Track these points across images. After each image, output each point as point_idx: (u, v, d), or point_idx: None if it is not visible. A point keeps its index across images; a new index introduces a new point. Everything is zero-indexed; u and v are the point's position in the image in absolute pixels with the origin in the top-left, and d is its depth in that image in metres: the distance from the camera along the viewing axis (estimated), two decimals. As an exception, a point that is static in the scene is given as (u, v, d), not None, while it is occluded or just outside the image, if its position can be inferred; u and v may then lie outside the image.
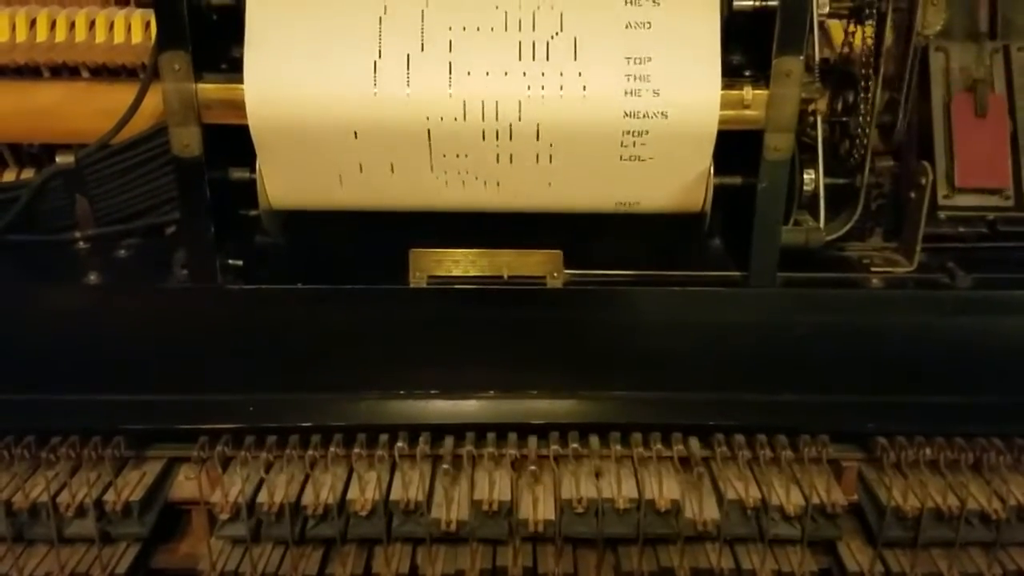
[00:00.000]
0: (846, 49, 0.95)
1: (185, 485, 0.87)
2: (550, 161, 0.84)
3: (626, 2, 0.83)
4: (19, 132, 1.01)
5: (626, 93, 0.81)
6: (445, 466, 0.84)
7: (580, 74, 0.81)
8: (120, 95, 0.94)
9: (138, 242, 0.97)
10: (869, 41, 0.90)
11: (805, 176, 0.90)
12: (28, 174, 1.03)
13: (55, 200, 0.97)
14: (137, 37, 1.01)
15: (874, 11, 0.89)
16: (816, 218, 0.91)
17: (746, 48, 0.88)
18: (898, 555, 0.86)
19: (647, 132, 0.82)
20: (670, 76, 0.82)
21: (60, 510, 0.83)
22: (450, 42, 0.81)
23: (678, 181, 0.86)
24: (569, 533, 0.83)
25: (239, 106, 0.82)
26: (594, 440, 0.86)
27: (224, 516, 0.83)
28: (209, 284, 0.88)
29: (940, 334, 0.89)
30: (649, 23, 0.82)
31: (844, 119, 0.94)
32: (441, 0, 0.82)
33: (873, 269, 0.93)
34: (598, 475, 0.84)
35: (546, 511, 0.83)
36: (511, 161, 0.84)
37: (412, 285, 0.88)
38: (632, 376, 0.87)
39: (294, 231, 0.94)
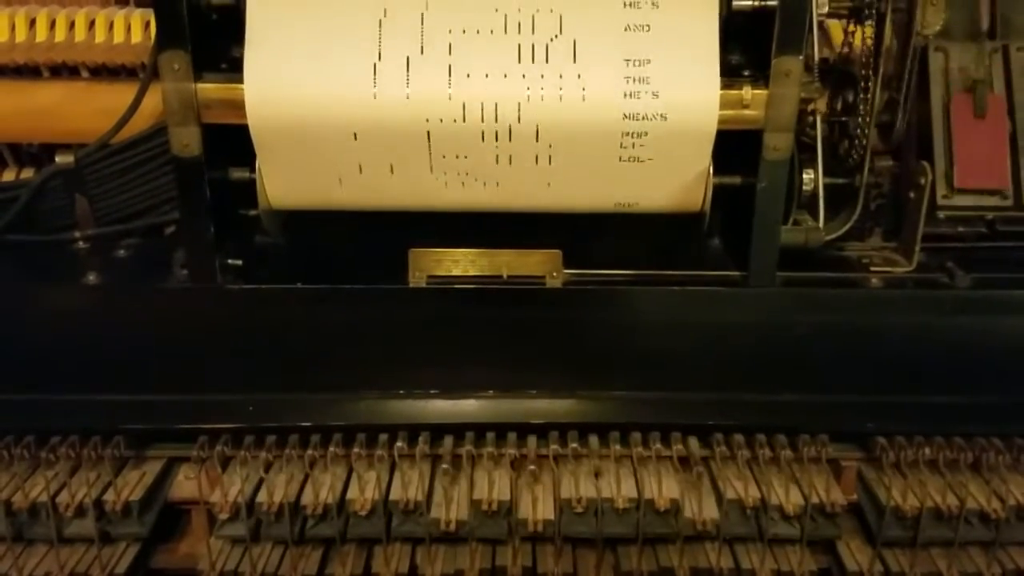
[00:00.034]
0: (845, 49, 0.95)
1: (185, 485, 0.87)
2: (549, 162, 0.84)
3: (625, 4, 0.83)
4: (19, 132, 1.02)
5: (625, 95, 0.82)
6: (444, 466, 0.84)
7: (579, 76, 0.81)
8: (120, 95, 0.94)
9: (138, 242, 0.97)
10: (868, 41, 0.91)
11: (804, 176, 0.90)
12: (28, 174, 1.03)
13: (55, 200, 0.97)
14: (137, 37, 1.01)
15: (873, 11, 0.89)
16: (815, 218, 0.92)
17: (745, 48, 0.88)
18: (897, 555, 0.86)
19: (646, 134, 0.82)
20: (669, 78, 0.82)
21: (60, 510, 0.83)
22: (449, 44, 0.82)
23: (677, 181, 0.86)
24: (568, 533, 0.83)
25: (239, 106, 0.82)
26: (593, 440, 0.86)
27: (224, 516, 0.83)
28: (209, 284, 0.88)
29: (939, 334, 0.89)
30: (648, 25, 0.82)
31: (843, 119, 0.94)
32: (441, 2, 0.82)
33: (872, 269, 0.93)
34: (597, 475, 0.84)
35: (545, 511, 0.83)
36: (510, 162, 0.84)
37: (411, 285, 0.88)
38: (631, 376, 0.87)
39: (294, 231, 0.94)
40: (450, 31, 0.82)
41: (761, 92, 0.83)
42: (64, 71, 1.00)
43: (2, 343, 0.88)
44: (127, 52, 1.00)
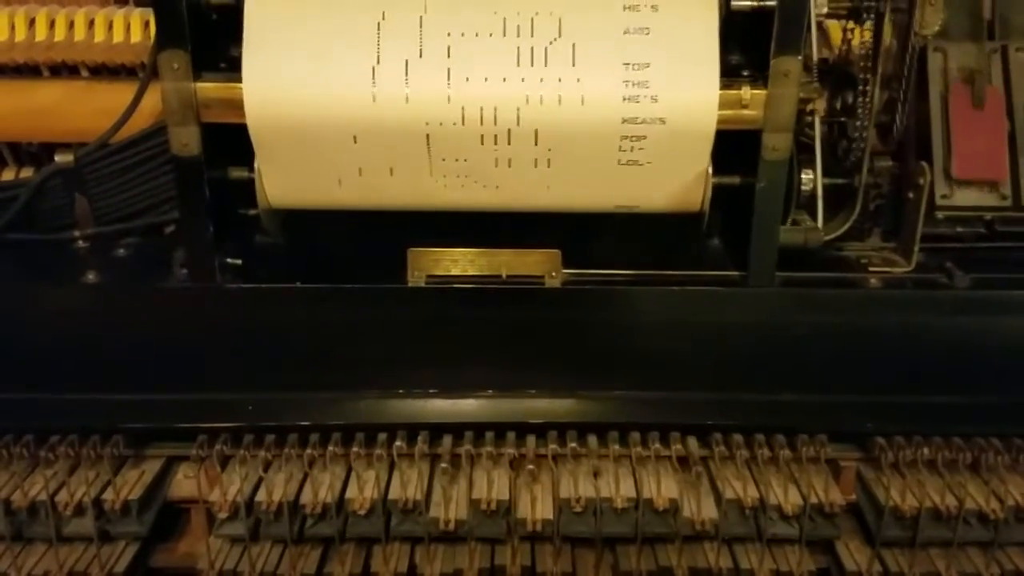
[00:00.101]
0: (844, 49, 0.95)
1: (184, 484, 0.87)
2: (548, 166, 0.84)
3: (624, 8, 0.83)
4: (18, 131, 1.01)
5: (624, 99, 0.82)
6: (443, 465, 0.84)
7: (578, 80, 0.81)
8: (119, 94, 0.94)
9: (137, 241, 0.97)
10: (867, 41, 0.90)
11: (803, 176, 0.90)
12: (27, 173, 1.03)
13: (54, 199, 0.97)
14: (136, 36, 1.01)
15: (872, 11, 0.89)
16: (814, 218, 0.91)
17: (744, 48, 0.88)
18: (896, 555, 0.86)
19: (645, 137, 0.83)
20: (668, 82, 0.82)
21: (59, 509, 0.83)
22: (448, 47, 0.82)
23: (676, 182, 0.86)
24: (567, 532, 0.84)
25: (238, 105, 0.82)
26: (592, 439, 0.86)
27: (223, 515, 0.83)
28: (208, 283, 0.88)
29: (938, 334, 0.89)
30: (647, 29, 0.82)
31: (842, 119, 0.94)
32: (440, 5, 0.82)
33: (871, 269, 0.93)
34: (596, 474, 0.84)
35: (544, 510, 0.83)
36: (510, 165, 0.84)
37: (410, 284, 0.88)
38: (630, 376, 0.88)
39: (293, 230, 0.94)
40: (449, 34, 0.82)
41: (760, 92, 0.83)
42: (64, 70, 1.00)
43: (1, 342, 0.88)
44: (127, 51, 0.99)
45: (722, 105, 0.82)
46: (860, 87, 0.91)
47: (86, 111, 0.97)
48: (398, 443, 0.84)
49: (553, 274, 0.89)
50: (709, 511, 0.83)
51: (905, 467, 0.84)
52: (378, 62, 0.81)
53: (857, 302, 0.90)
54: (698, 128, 0.83)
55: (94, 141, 0.94)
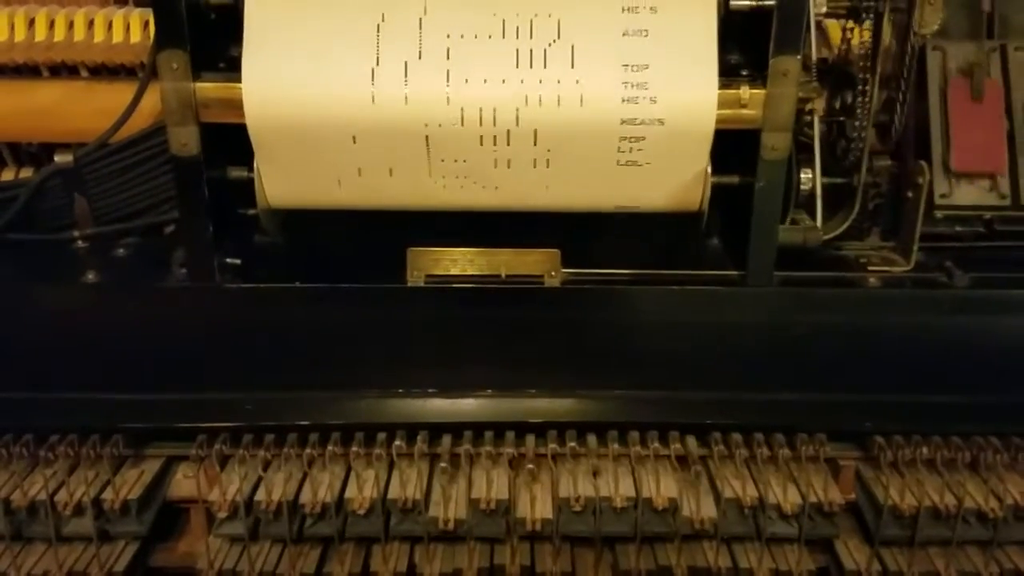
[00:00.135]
0: (843, 48, 0.95)
1: (183, 483, 0.87)
2: (547, 166, 0.84)
3: (623, 9, 0.83)
4: (18, 131, 1.02)
5: (623, 100, 0.82)
6: (443, 464, 0.84)
7: (577, 82, 0.82)
8: (119, 94, 0.94)
9: (136, 241, 0.97)
10: (867, 40, 0.91)
11: (802, 175, 0.90)
12: (27, 173, 1.03)
13: (54, 199, 0.97)
14: (136, 36, 1.01)
15: (871, 11, 0.89)
16: (813, 217, 0.91)
17: (743, 47, 0.88)
18: (895, 554, 0.86)
19: (644, 138, 0.83)
20: (667, 84, 0.82)
21: (58, 508, 0.83)
22: (448, 49, 0.82)
23: (675, 182, 0.86)
24: (567, 532, 0.84)
25: (237, 105, 0.82)
26: (592, 439, 0.86)
27: (222, 515, 0.83)
28: (207, 283, 0.88)
29: (937, 333, 0.89)
30: (646, 31, 0.82)
31: (841, 118, 0.94)
32: (439, 7, 0.82)
33: (870, 268, 0.93)
34: (596, 474, 0.84)
35: (544, 510, 0.83)
36: (509, 166, 0.84)
37: (410, 284, 0.88)
38: (629, 375, 0.88)
39: (292, 230, 0.94)
40: (448, 35, 0.82)
41: (759, 92, 0.83)
42: (63, 70, 1.00)
43: (1, 342, 0.88)
44: (126, 51, 1.00)
45: (721, 104, 0.82)
46: (859, 86, 0.91)
47: (85, 111, 0.98)
48: (397, 443, 0.84)
49: (552, 274, 0.89)
50: (708, 510, 0.83)
51: (904, 466, 0.84)
52: (377, 63, 0.81)
53: (856, 301, 0.90)
54: (697, 128, 0.83)
55: (93, 141, 0.94)
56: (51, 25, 1.02)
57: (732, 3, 0.83)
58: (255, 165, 0.86)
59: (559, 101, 0.82)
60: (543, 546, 0.86)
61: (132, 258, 0.96)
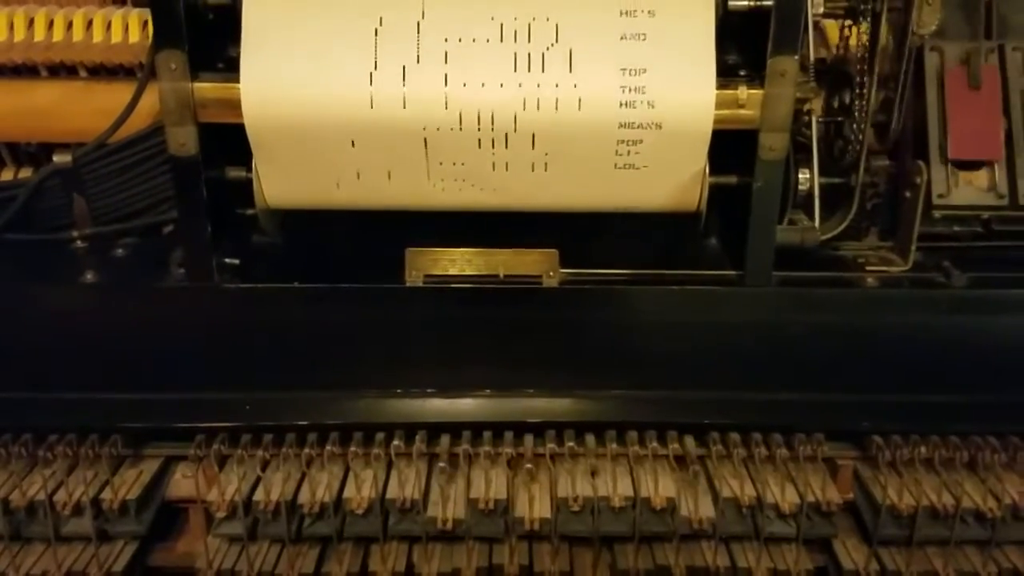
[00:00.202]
0: (841, 49, 0.95)
1: (182, 483, 0.87)
2: (545, 169, 0.84)
3: (621, 13, 0.83)
4: (17, 131, 1.02)
5: (621, 104, 0.82)
6: (441, 464, 0.84)
7: (575, 85, 0.82)
8: (117, 94, 0.94)
9: (135, 241, 0.97)
10: (864, 41, 0.91)
11: (800, 175, 0.90)
12: (25, 173, 1.03)
13: (52, 199, 0.97)
14: (134, 36, 1.01)
15: (869, 11, 0.89)
16: (811, 217, 0.92)
17: (741, 48, 0.88)
18: (893, 553, 0.86)
19: (641, 141, 0.83)
20: (665, 87, 0.82)
21: (57, 508, 0.83)
22: (446, 53, 0.82)
23: (673, 183, 0.86)
24: (565, 531, 0.84)
25: (235, 105, 0.82)
26: (590, 439, 0.86)
27: (221, 514, 0.83)
28: (206, 283, 0.88)
29: (935, 333, 0.89)
30: (644, 35, 0.82)
31: (839, 119, 0.94)
32: (437, 11, 0.82)
33: (868, 268, 0.93)
34: (594, 473, 0.84)
35: (542, 509, 0.83)
36: (507, 169, 0.84)
37: (408, 284, 0.88)
38: (628, 375, 0.88)
39: (291, 230, 0.94)
40: (446, 39, 0.82)
41: (757, 92, 0.83)
42: (62, 71, 1.00)
43: (0, 342, 0.88)
44: (125, 52, 1.00)
45: (719, 105, 0.82)
46: (857, 87, 0.91)
47: (84, 111, 0.98)
48: (396, 442, 0.84)
49: (551, 274, 0.89)
50: (707, 510, 0.83)
51: (902, 466, 0.85)
52: (376, 66, 0.81)
53: (854, 301, 0.90)
54: (694, 129, 0.83)
55: (92, 141, 0.94)
56: (50, 25, 1.02)
57: (730, 3, 0.83)
58: (253, 165, 0.86)
59: (557, 105, 0.82)
60: (541, 546, 0.86)
61: (131, 258, 0.96)
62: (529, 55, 0.82)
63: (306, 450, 0.84)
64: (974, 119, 0.93)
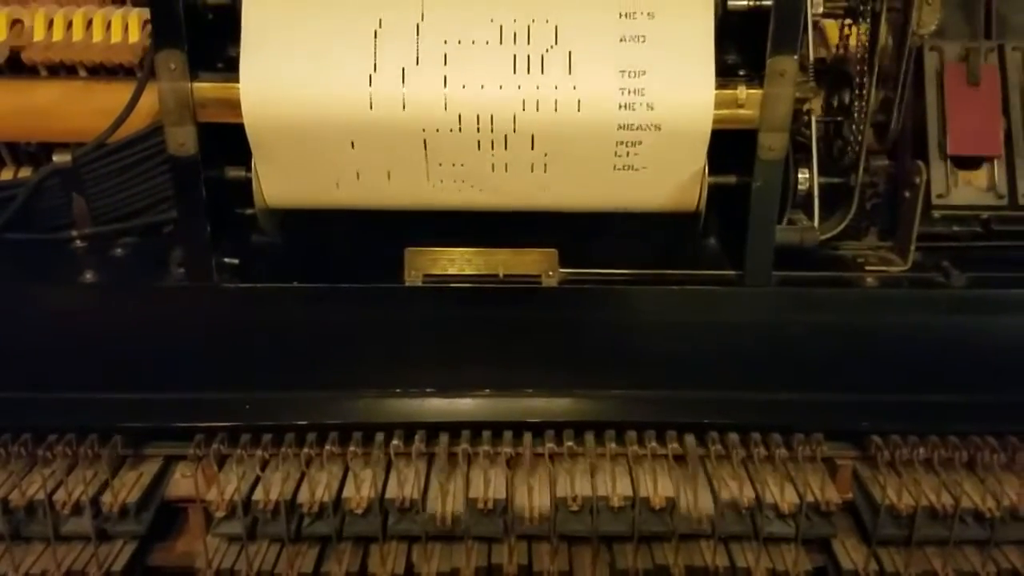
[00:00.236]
0: (841, 49, 0.95)
1: (181, 483, 0.87)
2: (545, 170, 0.85)
3: (621, 15, 0.83)
4: (16, 131, 1.01)
5: (620, 107, 0.82)
6: (441, 464, 0.84)
7: (575, 87, 0.82)
8: (117, 94, 0.94)
9: (134, 241, 0.97)
10: (864, 40, 0.91)
11: (800, 175, 0.90)
12: (25, 173, 1.03)
13: (52, 199, 0.97)
14: (134, 36, 1.01)
15: (869, 10, 0.89)
16: (811, 217, 0.92)
17: (741, 47, 0.88)
18: (892, 553, 0.86)
19: (640, 143, 0.83)
20: (664, 89, 0.82)
21: (56, 508, 0.83)
22: (445, 55, 0.82)
23: (673, 183, 0.86)
24: (564, 531, 0.84)
25: (235, 105, 0.82)
26: (589, 438, 0.86)
27: (220, 514, 0.83)
28: (205, 283, 0.88)
29: (934, 333, 0.89)
30: (643, 37, 0.82)
31: (839, 118, 0.94)
32: (436, 13, 0.82)
33: (868, 268, 0.93)
34: (593, 473, 0.84)
35: (541, 508, 0.83)
36: (506, 170, 0.84)
37: (408, 284, 0.88)
38: (627, 374, 0.88)
39: (290, 229, 0.94)
40: (446, 41, 0.82)
41: (756, 92, 0.83)
42: (62, 70, 1.00)
43: (-1, 341, 0.88)
44: (124, 51, 0.99)
45: (718, 105, 0.82)
46: (856, 86, 0.91)
47: (84, 111, 0.97)
48: (395, 442, 0.84)
49: (550, 273, 0.89)
50: (706, 508, 0.83)
51: (901, 466, 0.84)
52: (375, 68, 0.81)
53: (853, 301, 0.90)
54: (694, 131, 0.83)
55: (92, 141, 0.94)
56: (49, 25, 1.02)
57: (730, 3, 0.83)
58: (253, 165, 0.86)
59: (556, 106, 0.82)
60: (540, 545, 0.86)
61: (130, 258, 0.96)
62: (528, 57, 0.82)
63: (305, 450, 0.84)
64: (973, 115, 0.93)
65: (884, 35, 0.90)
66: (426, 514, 0.83)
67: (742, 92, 0.83)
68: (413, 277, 0.88)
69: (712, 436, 0.86)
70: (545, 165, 0.84)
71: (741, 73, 0.87)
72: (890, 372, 0.88)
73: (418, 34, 0.82)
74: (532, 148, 0.83)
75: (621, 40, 0.82)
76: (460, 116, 0.82)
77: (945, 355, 0.89)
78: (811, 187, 0.90)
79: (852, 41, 0.92)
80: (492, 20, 0.82)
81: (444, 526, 0.82)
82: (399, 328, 0.88)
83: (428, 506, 0.83)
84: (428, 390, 0.87)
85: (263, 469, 0.85)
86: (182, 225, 0.88)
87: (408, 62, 0.81)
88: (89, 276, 0.91)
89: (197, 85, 0.83)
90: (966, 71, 0.94)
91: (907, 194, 0.92)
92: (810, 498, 0.83)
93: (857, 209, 0.93)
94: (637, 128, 0.82)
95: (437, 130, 0.82)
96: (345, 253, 0.97)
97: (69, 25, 1.02)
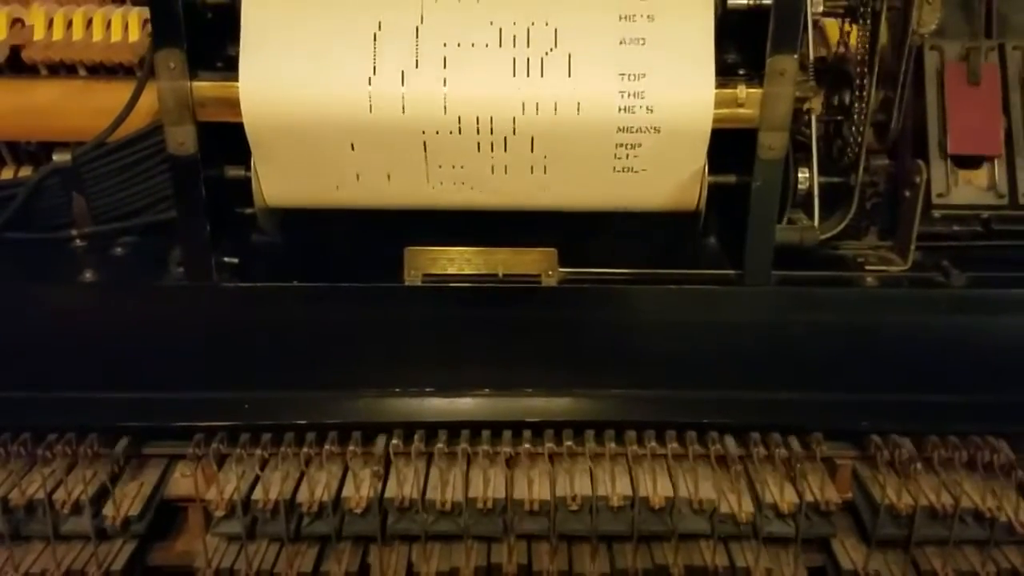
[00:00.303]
0: (841, 48, 0.95)
1: (181, 482, 0.87)
2: (544, 172, 0.85)
3: (620, 18, 0.83)
4: (16, 130, 1.01)
5: (620, 109, 0.82)
6: (439, 463, 0.84)
7: (574, 90, 0.82)
8: (117, 93, 0.94)
9: (134, 240, 0.97)
10: (864, 40, 0.90)
11: (800, 175, 0.90)
12: (25, 172, 1.03)
13: (52, 198, 0.97)
14: (134, 35, 1.01)
15: (869, 10, 0.89)
16: (811, 217, 0.92)
17: (740, 46, 0.88)
18: (892, 553, 0.86)
19: (640, 145, 0.83)
20: (664, 91, 0.82)
21: (56, 507, 0.83)
22: (444, 58, 0.82)
23: (673, 183, 0.86)
24: (564, 530, 0.84)
25: (234, 104, 0.82)
26: (589, 438, 0.86)
27: (219, 513, 0.83)
28: (205, 282, 0.88)
29: (934, 332, 0.89)
30: (643, 39, 0.82)
31: (839, 118, 0.94)
32: (436, 16, 0.82)
33: (868, 268, 0.93)
34: (592, 473, 0.84)
35: (541, 500, 0.83)
36: (506, 172, 0.84)
37: (407, 283, 0.88)
38: (627, 374, 0.88)
39: (290, 229, 0.94)
40: (445, 44, 0.82)
41: (756, 91, 0.83)
42: (62, 69, 1.00)
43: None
44: (124, 50, 0.99)
45: (718, 104, 0.82)
46: (857, 86, 0.91)
47: (84, 110, 0.97)
48: (395, 441, 0.84)
49: (550, 273, 0.89)
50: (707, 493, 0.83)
51: (901, 465, 0.84)
52: (374, 70, 0.81)
53: (853, 301, 0.90)
54: (694, 131, 0.83)
55: (91, 140, 0.94)
56: (49, 24, 1.02)
57: (729, 2, 0.83)
58: (252, 164, 0.86)
59: (556, 109, 0.82)
60: (540, 545, 0.86)
61: (130, 257, 0.96)
62: (528, 60, 0.82)
63: (305, 449, 0.84)
64: (973, 114, 0.93)
65: (884, 34, 0.90)
66: (426, 501, 0.82)
67: (742, 91, 0.83)
68: (413, 277, 0.88)
69: (712, 436, 0.85)
70: (545, 167, 0.84)
71: (741, 72, 0.87)
72: (890, 372, 0.88)
73: (417, 36, 0.82)
74: (532, 150, 0.83)
75: (621, 43, 0.82)
76: (460, 118, 0.82)
77: (945, 355, 0.89)
78: (811, 186, 0.90)
79: (852, 40, 0.92)
80: (492, 23, 0.82)
81: (444, 510, 0.82)
82: (399, 328, 0.88)
83: (428, 494, 0.83)
84: (428, 390, 0.87)
85: (262, 469, 0.85)
86: (182, 224, 0.88)
87: (408, 64, 0.81)
88: (89, 275, 0.91)
89: (196, 84, 0.83)
90: (966, 70, 0.94)
91: (907, 193, 0.92)
92: (810, 498, 0.83)
93: (857, 209, 0.93)
94: (637, 131, 0.82)
95: (437, 132, 0.82)
96: (345, 252, 0.97)
97: (69, 24, 1.02)
